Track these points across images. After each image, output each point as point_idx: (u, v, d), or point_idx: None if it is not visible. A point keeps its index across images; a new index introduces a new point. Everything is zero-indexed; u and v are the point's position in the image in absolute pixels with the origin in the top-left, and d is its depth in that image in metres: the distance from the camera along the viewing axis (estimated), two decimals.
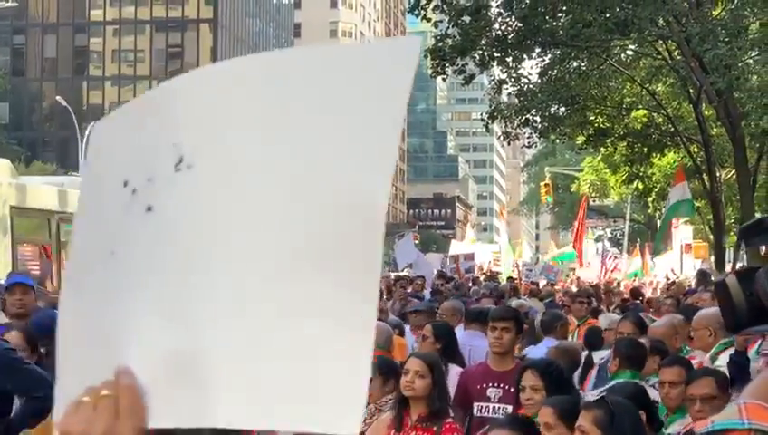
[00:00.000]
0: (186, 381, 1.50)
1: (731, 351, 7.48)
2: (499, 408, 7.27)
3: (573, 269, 36.23)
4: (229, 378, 1.47)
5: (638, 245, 36.83)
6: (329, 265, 1.42)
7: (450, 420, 6.53)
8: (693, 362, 7.88)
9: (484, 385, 7.49)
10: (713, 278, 23.74)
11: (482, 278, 32.50)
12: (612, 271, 35.36)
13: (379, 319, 9.38)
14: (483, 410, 7.37)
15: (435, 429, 6.36)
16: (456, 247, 42.99)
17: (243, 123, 1.53)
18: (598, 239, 73.21)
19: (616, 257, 37.48)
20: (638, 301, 18.86)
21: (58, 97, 70.76)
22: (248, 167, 1.51)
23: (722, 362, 7.48)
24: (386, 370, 7.00)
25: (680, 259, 37.89)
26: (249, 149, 1.52)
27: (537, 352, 9.61)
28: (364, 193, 1.41)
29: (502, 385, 7.38)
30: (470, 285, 23.67)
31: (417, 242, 46.61)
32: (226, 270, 1.50)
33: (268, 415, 1.46)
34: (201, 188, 1.55)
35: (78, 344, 1.69)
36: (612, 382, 7.37)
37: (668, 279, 28.27)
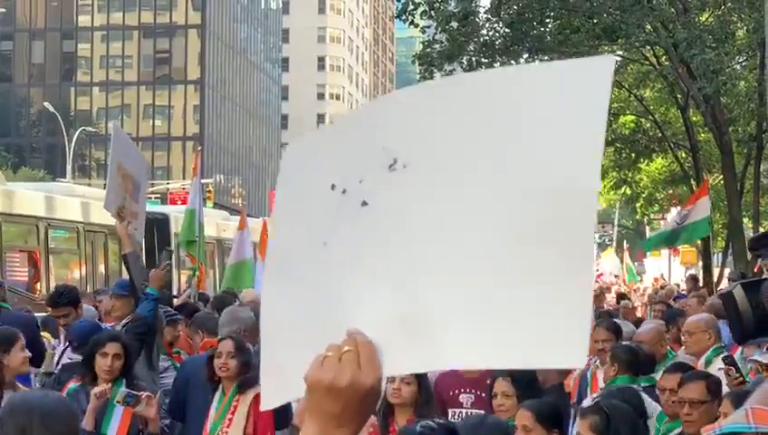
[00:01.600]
0: (415, 336, 1.85)
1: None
2: (472, 414, 7.29)
3: None
4: (455, 331, 1.81)
5: (626, 248, 36.78)
6: (546, 239, 1.75)
7: None
8: None
9: (457, 391, 7.53)
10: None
11: None
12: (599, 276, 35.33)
13: None
14: (456, 417, 7.37)
15: None
16: None
17: (456, 131, 1.89)
18: None
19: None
20: (624, 302, 18.83)
21: (46, 103, 70.68)
22: (463, 166, 1.86)
23: (716, 367, 7.49)
24: None
25: (668, 264, 37.97)
26: (464, 152, 1.87)
27: None
28: (577, 183, 1.74)
29: (474, 391, 7.41)
30: None
31: None
32: (450, 250, 1.85)
33: (497, 356, 1.84)
34: (418, 183, 1.91)
35: (289, 321, 2.07)
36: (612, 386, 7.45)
37: (657, 282, 28.29)
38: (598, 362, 9.04)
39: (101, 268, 21.62)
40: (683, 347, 9.89)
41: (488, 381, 6.73)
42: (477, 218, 1.83)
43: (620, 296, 21.46)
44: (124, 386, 6.65)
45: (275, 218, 2.25)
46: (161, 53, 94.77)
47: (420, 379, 6.55)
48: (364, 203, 1.98)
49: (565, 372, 8.59)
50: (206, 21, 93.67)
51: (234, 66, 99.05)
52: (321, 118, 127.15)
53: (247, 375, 7.02)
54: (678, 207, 25.97)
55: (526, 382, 6.30)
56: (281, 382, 2.07)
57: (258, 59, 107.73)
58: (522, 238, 1.78)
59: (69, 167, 58.27)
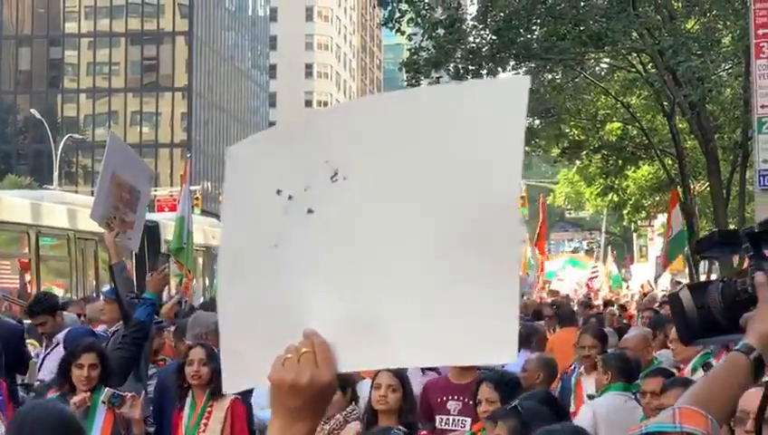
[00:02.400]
0: (365, 335, 2.06)
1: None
2: (459, 420, 7.31)
3: (549, 281, 36.22)
4: (402, 331, 2.03)
5: (614, 254, 36.75)
6: (473, 245, 1.97)
7: (424, 432, 6.52)
8: None
9: (444, 398, 7.54)
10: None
11: None
12: (592, 279, 35.30)
13: None
14: (443, 423, 7.41)
15: None
16: None
17: (389, 146, 2.10)
18: (574, 251, 73.36)
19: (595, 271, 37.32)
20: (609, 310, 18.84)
21: (32, 110, 70.54)
22: (398, 178, 2.07)
23: (701, 374, 7.50)
24: (342, 383, 6.97)
25: (656, 271, 37.93)
26: (397, 165, 2.08)
27: (512, 365, 9.62)
28: (500, 192, 1.96)
29: (461, 398, 7.40)
30: None
31: None
32: (390, 255, 2.06)
33: (437, 355, 2.10)
34: (357, 194, 2.12)
35: (245, 315, 2.28)
36: (607, 394, 7.55)
37: (643, 288, 28.30)
38: (582, 368, 9.05)
39: (91, 276, 21.59)
40: (663, 351, 9.92)
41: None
42: (412, 228, 2.05)
43: (607, 303, 21.48)
44: (104, 391, 6.63)
45: (224, 219, 2.41)
46: (148, 59, 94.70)
47: (404, 386, 6.56)
48: (310, 210, 2.18)
49: (551, 379, 8.60)
50: (193, 28, 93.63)
51: (221, 73, 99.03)
52: None
53: (220, 383, 6.99)
54: (665, 214, 25.98)
55: (510, 388, 6.29)
56: (241, 369, 2.31)
57: (246, 66, 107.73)
58: (453, 245, 1.99)
59: (55, 174, 58.15)
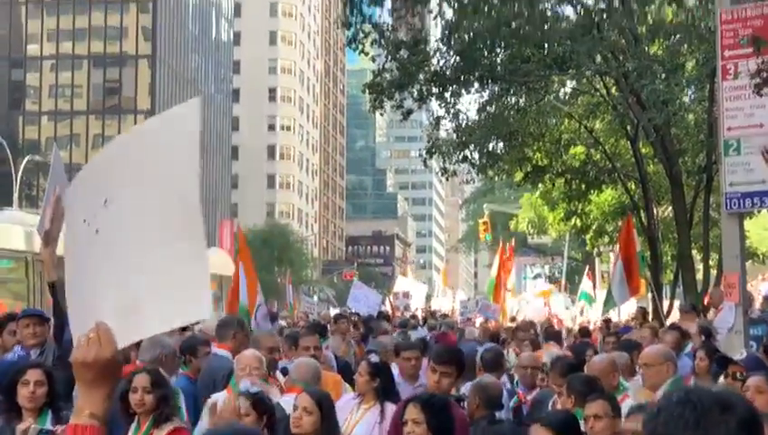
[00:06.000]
0: (128, 318, 2.84)
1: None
2: None
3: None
4: (144, 309, 2.83)
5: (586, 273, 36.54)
6: (178, 234, 2.82)
7: None
8: (627, 400, 7.95)
9: None
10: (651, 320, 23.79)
11: (420, 317, 32.28)
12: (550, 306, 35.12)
13: (313, 356, 9.16)
14: None
15: None
16: (401, 284, 43.02)
17: (124, 174, 2.97)
18: (536, 277, 73.39)
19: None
20: (587, 340, 18.69)
21: None
22: (133, 196, 2.92)
23: None
24: (261, 408, 6.81)
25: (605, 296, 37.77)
26: (131, 188, 2.93)
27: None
28: (187, 197, 2.85)
29: None
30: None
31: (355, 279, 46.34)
32: (135, 253, 2.87)
33: (153, 325, 2.96)
34: (117, 212, 2.94)
35: (73, 306, 3.15)
36: None
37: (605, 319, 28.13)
38: (555, 397, 8.95)
39: (49, 298, 21.20)
40: (635, 378, 9.79)
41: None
42: (145, 229, 2.87)
43: (582, 331, 21.18)
44: (50, 417, 6.36)
45: (65, 241, 3.31)
46: (111, 82, 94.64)
47: (323, 409, 6.56)
48: (97, 231, 2.99)
49: (491, 402, 8.44)
50: (156, 51, 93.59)
51: (184, 97, 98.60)
52: (271, 149, 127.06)
53: (164, 410, 6.83)
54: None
55: (437, 410, 6.22)
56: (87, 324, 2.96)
57: (209, 90, 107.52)
58: (167, 238, 2.82)
59: (15, 196, 57.64)
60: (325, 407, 6.59)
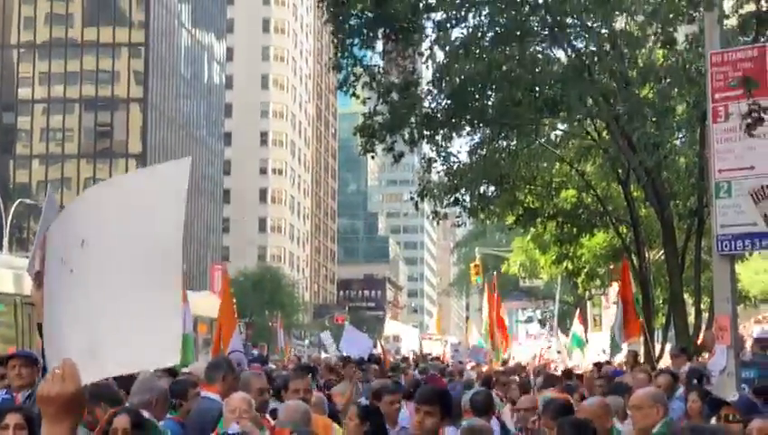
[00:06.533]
0: (92, 358, 2.94)
1: None
2: None
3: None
4: (107, 351, 2.97)
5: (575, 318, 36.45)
6: (143, 282, 2.95)
7: None
8: None
9: None
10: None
11: (411, 361, 32.19)
12: (547, 349, 35.08)
13: (302, 399, 9.07)
14: None
15: None
16: (391, 328, 42.93)
17: (104, 219, 3.08)
18: (528, 320, 73.32)
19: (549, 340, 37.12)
20: (571, 382, 18.58)
21: None
22: (111, 240, 3.05)
23: None
24: None
25: (610, 340, 37.66)
26: (110, 232, 3.06)
27: None
28: (167, 241, 2.98)
29: None
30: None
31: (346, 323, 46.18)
32: (106, 294, 2.99)
33: (113, 367, 3.09)
34: (92, 255, 3.06)
35: (46, 342, 3.32)
36: None
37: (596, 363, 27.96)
38: None
39: (38, 342, 21.09)
40: (627, 421, 9.71)
41: None
42: (118, 271, 3.00)
43: (567, 373, 21.11)
44: None
45: (44, 279, 3.50)
46: (102, 126, 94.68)
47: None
48: (71, 271, 3.14)
49: None
50: (148, 95, 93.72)
51: (176, 140, 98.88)
52: (263, 192, 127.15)
53: None
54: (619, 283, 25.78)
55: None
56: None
57: (201, 133, 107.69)
58: (138, 285, 2.95)
59: (6, 239, 57.50)
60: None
